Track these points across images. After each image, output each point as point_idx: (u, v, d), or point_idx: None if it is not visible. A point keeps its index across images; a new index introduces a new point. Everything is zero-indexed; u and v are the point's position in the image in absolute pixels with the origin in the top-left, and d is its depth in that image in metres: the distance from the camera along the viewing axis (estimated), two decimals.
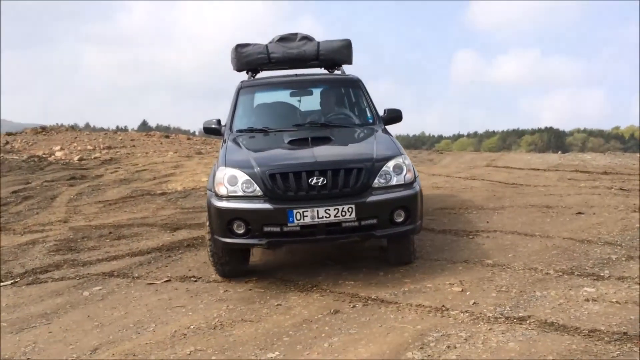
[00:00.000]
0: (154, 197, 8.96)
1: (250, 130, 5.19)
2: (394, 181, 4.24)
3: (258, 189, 4.13)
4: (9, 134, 18.97)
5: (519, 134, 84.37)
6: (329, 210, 4.01)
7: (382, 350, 3.11)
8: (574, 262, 4.47)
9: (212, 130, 5.37)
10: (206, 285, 4.48)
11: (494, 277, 4.22)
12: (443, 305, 3.70)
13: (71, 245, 6.02)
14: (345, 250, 5.18)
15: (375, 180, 4.19)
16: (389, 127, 5.40)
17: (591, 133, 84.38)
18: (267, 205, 4.08)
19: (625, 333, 3.13)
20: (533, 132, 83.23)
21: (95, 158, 14.42)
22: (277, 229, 4.08)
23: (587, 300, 3.66)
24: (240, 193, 4.16)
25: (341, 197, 4.09)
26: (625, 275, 4.10)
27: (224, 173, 4.26)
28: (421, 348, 3.10)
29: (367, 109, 5.57)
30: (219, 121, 5.39)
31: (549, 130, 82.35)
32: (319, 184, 4.07)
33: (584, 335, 3.14)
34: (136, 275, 4.86)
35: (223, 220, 4.16)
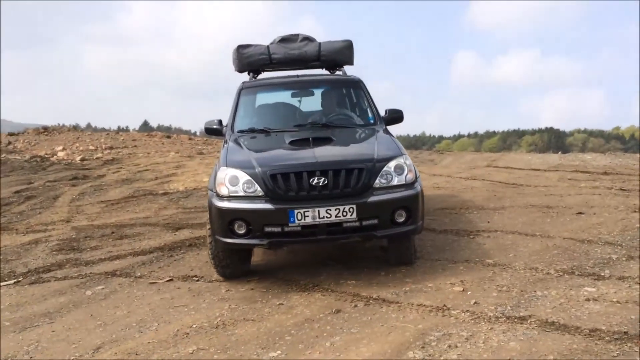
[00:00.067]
0: (156, 197, 8.98)
1: (252, 130, 5.20)
2: (395, 181, 4.24)
3: (259, 189, 4.13)
4: (11, 134, 19.02)
5: (519, 134, 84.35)
6: (330, 210, 4.01)
7: (383, 350, 3.13)
8: (574, 262, 4.49)
9: (214, 131, 5.38)
10: (208, 285, 4.50)
11: (495, 277, 4.23)
12: (444, 305, 3.72)
13: (74, 244, 6.05)
14: (346, 250, 5.19)
15: (377, 181, 4.19)
16: (390, 128, 5.41)
17: (591, 133, 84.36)
18: (268, 206, 4.08)
19: (625, 332, 3.15)
20: (533, 132, 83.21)
21: (97, 158, 14.46)
22: (278, 229, 4.08)
23: (588, 299, 3.68)
24: (241, 193, 4.16)
25: (342, 198, 4.09)
26: (626, 275, 4.11)
27: (225, 173, 4.27)
28: (422, 347, 3.12)
29: (368, 110, 5.58)
30: (220, 122, 5.39)
31: (550, 130, 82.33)
32: (320, 184, 4.08)
33: (585, 335, 3.15)
34: (138, 274, 4.88)
35: (224, 220, 4.17)
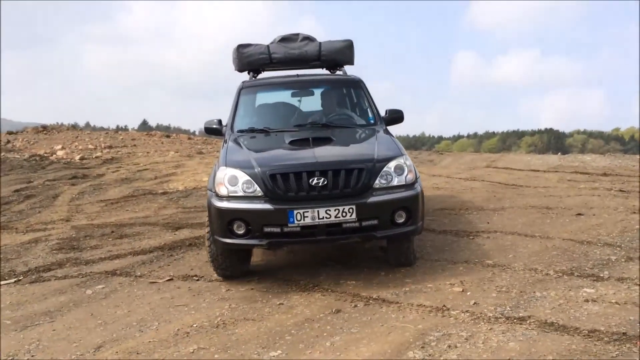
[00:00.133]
0: (155, 197, 8.99)
1: (252, 130, 5.20)
2: (395, 182, 4.23)
3: (258, 189, 4.13)
4: (10, 133, 19.01)
5: (518, 135, 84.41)
6: (330, 210, 4.01)
7: (383, 350, 3.14)
8: (573, 263, 4.50)
9: (213, 131, 5.38)
10: (208, 284, 4.50)
11: (495, 278, 4.24)
12: (444, 305, 3.73)
13: (74, 244, 6.05)
14: (346, 251, 5.20)
15: (376, 181, 4.18)
16: (390, 128, 5.42)
17: (591, 134, 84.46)
18: (267, 206, 4.08)
19: (624, 333, 3.16)
20: (533, 133, 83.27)
21: (96, 157, 14.46)
22: (278, 230, 4.07)
23: (587, 300, 3.69)
24: (240, 193, 4.15)
25: (342, 198, 4.09)
26: (625, 276, 4.13)
27: (224, 173, 4.26)
28: (422, 347, 3.13)
29: (368, 110, 5.58)
30: (220, 121, 5.39)
31: (549, 131, 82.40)
32: (320, 184, 4.07)
33: (584, 336, 3.16)
34: (139, 274, 4.89)
35: (223, 220, 4.16)
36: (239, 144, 4.79)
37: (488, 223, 6.05)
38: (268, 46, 6.36)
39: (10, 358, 3.37)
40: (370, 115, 5.51)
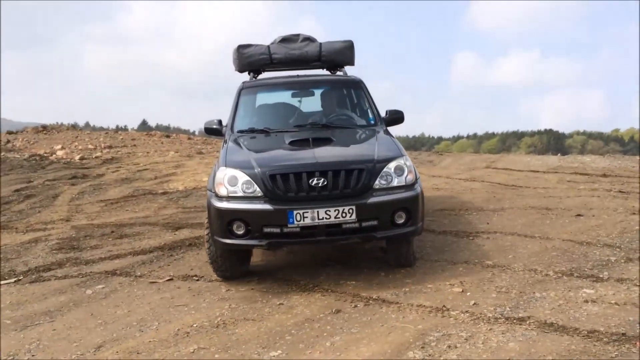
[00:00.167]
0: (155, 197, 8.99)
1: (252, 130, 5.20)
2: (395, 182, 4.23)
3: (258, 189, 4.13)
4: (10, 132, 19.00)
5: (518, 135, 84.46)
6: (330, 211, 4.00)
7: (383, 350, 3.14)
8: (573, 264, 4.50)
9: (213, 131, 5.38)
10: (208, 284, 4.51)
11: (494, 278, 4.25)
12: (444, 306, 3.73)
13: (74, 243, 6.05)
14: (346, 251, 5.21)
15: (376, 182, 4.18)
16: (390, 128, 5.42)
17: (591, 135, 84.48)
18: (267, 206, 4.08)
19: (623, 334, 3.17)
20: (533, 134, 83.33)
21: (96, 157, 14.46)
22: (277, 230, 4.07)
23: (586, 301, 3.70)
24: (240, 194, 4.15)
25: (342, 198, 4.08)
26: (624, 277, 4.13)
27: (224, 173, 4.26)
28: (422, 347, 3.13)
29: (368, 110, 5.58)
30: (220, 121, 5.39)
31: (549, 132, 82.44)
32: (320, 185, 4.07)
33: (583, 336, 3.17)
34: (139, 274, 4.89)
35: (223, 220, 4.16)
36: (239, 145, 4.79)
37: (488, 224, 6.05)
38: (268, 47, 6.36)
39: (11, 358, 3.37)
40: (370, 115, 5.51)
